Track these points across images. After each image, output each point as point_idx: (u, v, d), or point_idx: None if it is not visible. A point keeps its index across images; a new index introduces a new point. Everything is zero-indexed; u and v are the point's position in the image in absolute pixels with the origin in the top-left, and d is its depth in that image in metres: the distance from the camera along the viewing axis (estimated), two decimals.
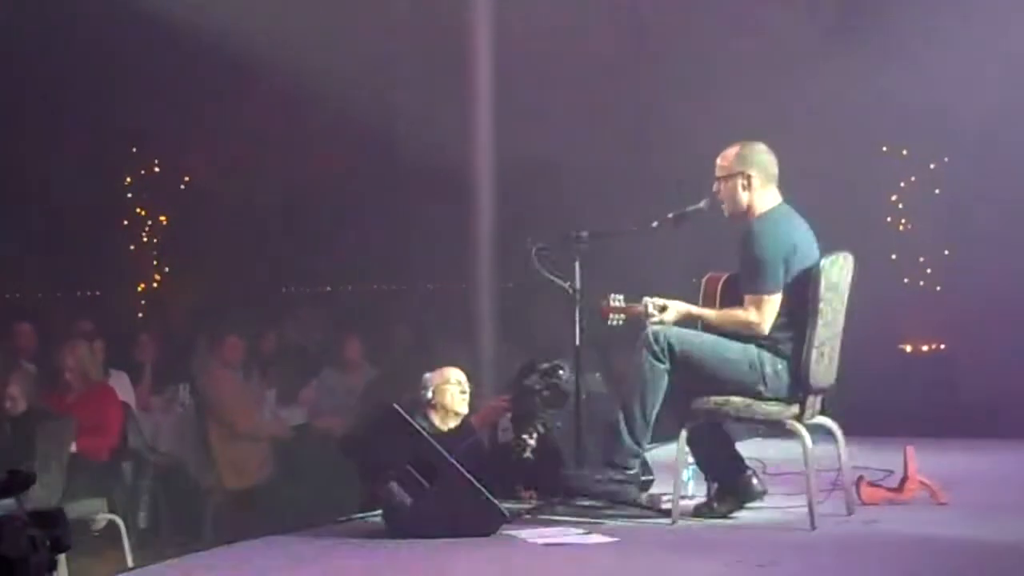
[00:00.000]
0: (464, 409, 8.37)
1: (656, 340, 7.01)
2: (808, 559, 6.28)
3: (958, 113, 11.90)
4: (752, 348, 6.96)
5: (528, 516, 7.39)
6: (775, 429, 7.26)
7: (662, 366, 7.00)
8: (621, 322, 7.30)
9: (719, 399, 6.98)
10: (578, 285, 7.83)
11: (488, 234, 10.24)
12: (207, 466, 10.72)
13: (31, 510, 2.94)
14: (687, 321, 7.21)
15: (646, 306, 7.20)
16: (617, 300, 7.24)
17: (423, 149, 12.73)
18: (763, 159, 7.16)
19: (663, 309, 7.18)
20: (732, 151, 7.17)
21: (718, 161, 7.21)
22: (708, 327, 7.16)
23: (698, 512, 7.29)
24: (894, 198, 14.19)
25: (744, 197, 7.11)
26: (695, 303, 7.27)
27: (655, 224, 7.53)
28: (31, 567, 2.85)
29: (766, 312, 6.94)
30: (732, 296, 7.11)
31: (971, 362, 12.40)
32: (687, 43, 12.13)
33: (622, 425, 7.04)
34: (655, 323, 7.14)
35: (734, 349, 7.00)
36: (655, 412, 7.07)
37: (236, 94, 15.35)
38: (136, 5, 12.61)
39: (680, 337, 7.04)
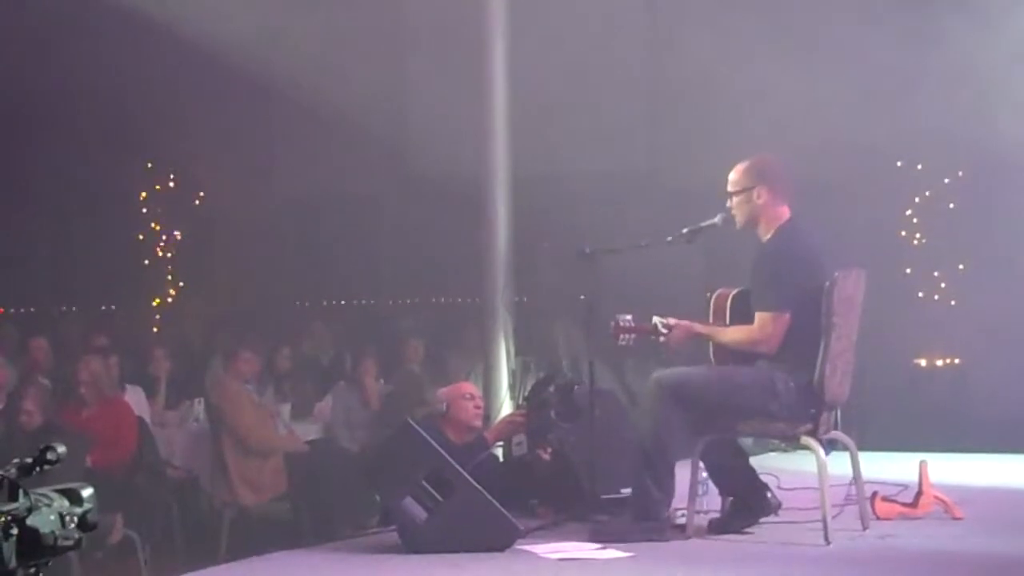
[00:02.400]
0: (478, 424, 8.37)
1: (662, 386, 7.02)
2: (822, 573, 6.27)
3: (972, 127, 11.88)
4: (762, 368, 6.96)
5: (542, 530, 7.40)
6: (790, 444, 7.26)
7: (673, 411, 6.99)
8: (631, 342, 7.30)
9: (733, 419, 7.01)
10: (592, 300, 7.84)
11: (502, 248, 10.22)
12: (222, 481, 10.70)
13: (59, 487, 2.97)
14: (696, 339, 7.23)
15: (655, 325, 7.21)
16: (625, 320, 7.23)
17: (437, 162, 12.75)
18: (776, 174, 7.17)
19: (671, 328, 7.18)
20: (745, 165, 7.19)
21: (731, 176, 7.22)
22: (718, 345, 7.17)
23: (713, 527, 7.28)
24: (908, 212, 14.18)
25: (756, 211, 7.12)
26: (706, 318, 7.28)
27: (669, 239, 7.54)
28: (58, 541, 2.88)
29: (777, 330, 6.94)
30: (741, 312, 7.11)
31: (986, 377, 12.37)
32: (701, 57, 12.12)
33: (648, 479, 7.03)
34: (663, 340, 7.19)
35: (742, 374, 7.01)
36: (675, 454, 7.10)
37: (250, 109, 15.39)
38: (152, 20, 12.64)
39: (684, 377, 7.05)
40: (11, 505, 2.88)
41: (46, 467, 2.96)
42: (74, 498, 2.98)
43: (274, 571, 6.80)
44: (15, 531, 2.86)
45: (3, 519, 2.85)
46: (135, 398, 11.17)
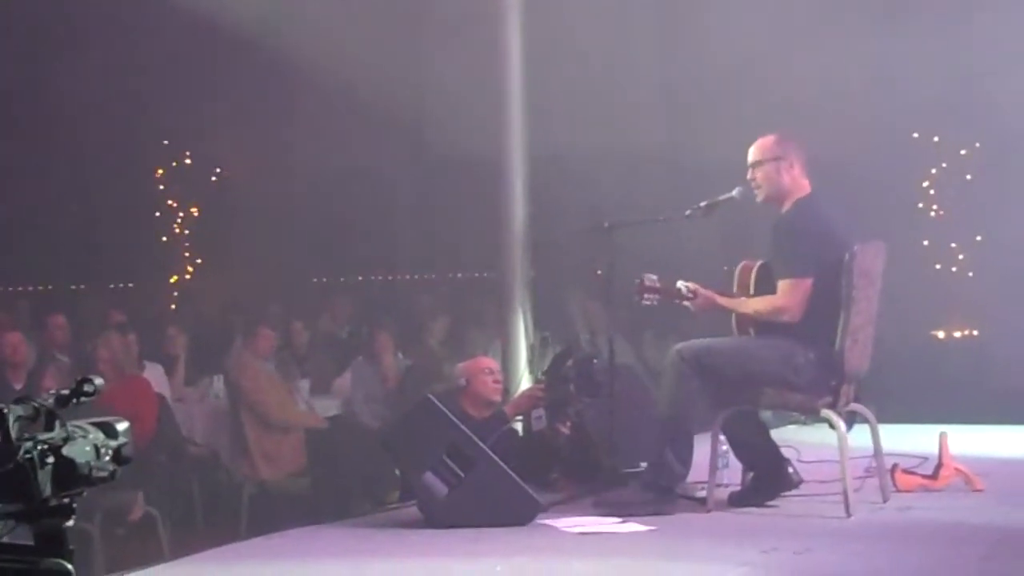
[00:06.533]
0: (497, 398, 8.38)
1: (683, 358, 7.02)
2: (843, 546, 6.28)
3: (989, 99, 11.85)
4: (781, 340, 6.97)
5: (562, 505, 7.41)
6: (810, 417, 7.26)
7: (693, 383, 7.00)
8: (655, 302, 7.31)
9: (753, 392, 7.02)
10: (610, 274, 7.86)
11: (520, 223, 10.22)
12: (242, 457, 10.74)
13: (95, 420, 3.00)
14: (718, 310, 7.25)
15: (679, 289, 7.22)
16: (651, 280, 7.24)
17: (454, 138, 12.74)
18: (801, 147, 7.18)
19: (695, 293, 7.20)
20: (771, 138, 7.19)
21: (754, 148, 7.21)
22: (741, 315, 7.18)
23: (733, 500, 7.29)
24: (925, 184, 14.16)
25: (783, 182, 7.12)
26: (728, 291, 7.29)
27: (688, 212, 7.56)
28: (93, 471, 2.91)
29: (799, 296, 6.94)
30: (766, 284, 7.12)
31: (1004, 348, 12.35)
32: (718, 32, 12.10)
33: (667, 448, 7.04)
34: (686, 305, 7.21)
35: (761, 346, 7.02)
36: (695, 426, 7.11)
37: (267, 86, 15.39)
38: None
39: (705, 348, 7.06)
40: (48, 434, 2.91)
41: (83, 399, 2.99)
42: (110, 431, 3.01)
43: (294, 547, 6.81)
44: (51, 460, 2.88)
45: (40, 448, 2.87)
46: (154, 375, 11.19)
